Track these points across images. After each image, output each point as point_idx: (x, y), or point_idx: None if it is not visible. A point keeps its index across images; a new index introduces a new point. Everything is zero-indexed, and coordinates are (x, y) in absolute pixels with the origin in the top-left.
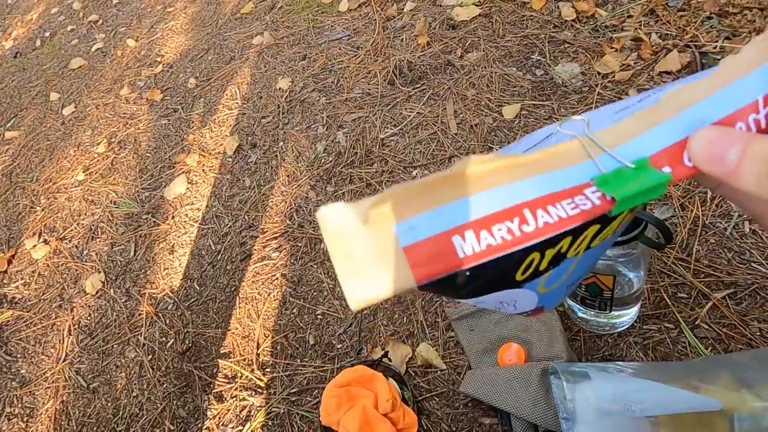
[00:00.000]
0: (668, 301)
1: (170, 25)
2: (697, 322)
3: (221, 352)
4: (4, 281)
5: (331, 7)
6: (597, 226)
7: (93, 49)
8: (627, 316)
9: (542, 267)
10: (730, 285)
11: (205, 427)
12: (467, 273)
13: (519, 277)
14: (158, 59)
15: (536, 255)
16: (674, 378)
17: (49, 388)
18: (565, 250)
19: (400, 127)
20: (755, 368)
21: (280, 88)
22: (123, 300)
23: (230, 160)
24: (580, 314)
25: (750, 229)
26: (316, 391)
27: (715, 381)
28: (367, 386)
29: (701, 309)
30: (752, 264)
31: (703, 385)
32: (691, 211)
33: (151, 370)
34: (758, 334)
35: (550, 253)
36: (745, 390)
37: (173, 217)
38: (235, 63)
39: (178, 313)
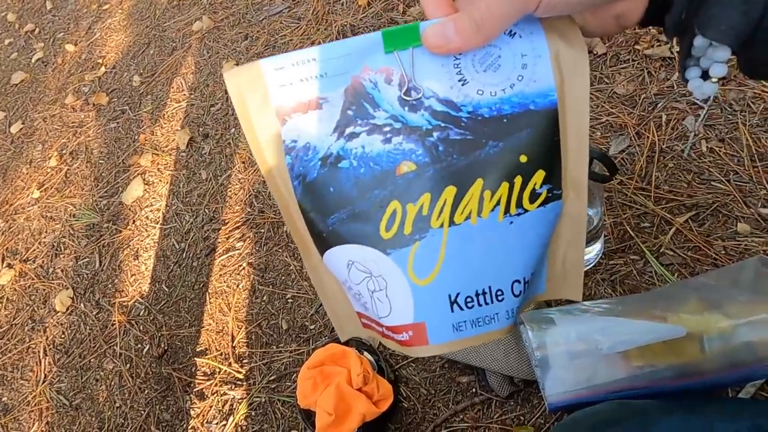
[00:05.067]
0: (632, 232)
1: (108, 24)
2: (662, 250)
3: (197, 350)
4: None
5: None
6: (453, 189)
7: (33, 60)
8: (591, 253)
9: (406, 230)
10: (691, 207)
11: (190, 426)
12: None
13: (383, 231)
14: (100, 61)
15: (397, 205)
16: (639, 310)
17: (32, 411)
18: (427, 212)
19: None
20: (721, 287)
21: None
22: (94, 313)
23: (184, 154)
24: None
25: (707, 147)
26: (295, 375)
27: (682, 307)
28: (340, 363)
29: (665, 236)
30: (711, 183)
31: (669, 313)
32: (648, 138)
33: (130, 379)
34: (722, 252)
35: (411, 210)
36: (714, 310)
37: (134, 222)
38: (178, 53)
39: (151, 318)
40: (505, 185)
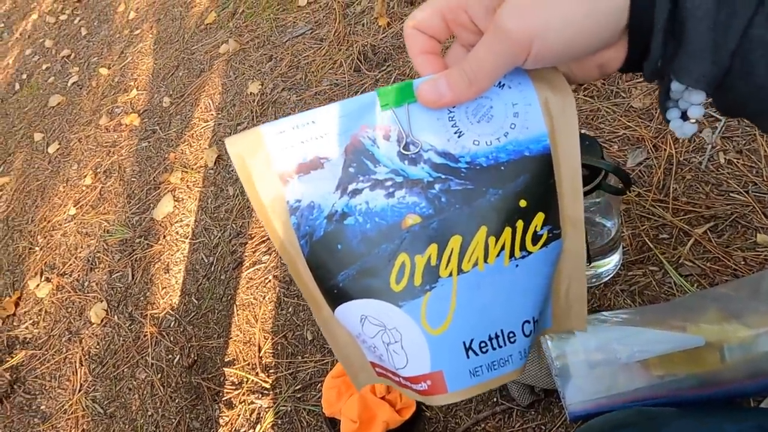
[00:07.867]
0: (650, 244)
1: (139, 48)
2: (680, 261)
3: (226, 360)
4: (14, 323)
5: (291, 3)
6: (459, 238)
7: (69, 84)
8: (610, 264)
9: (417, 281)
10: (710, 218)
11: None
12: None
13: (394, 284)
14: (132, 83)
15: (405, 257)
16: (657, 320)
17: (69, 419)
18: (435, 262)
19: None
20: (741, 298)
21: (251, 93)
22: (127, 324)
23: (212, 171)
24: None
25: (725, 159)
26: (320, 384)
27: (702, 317)
28: None
29: (683, 247)
30: (730, 194)
31: (689, 323)
32: (665, 150)
33: (162, 388)
34: (742, 263)
35: (419, 261)
36: (734, 320)
37: (165, 237)
38: (205, 75)
39: (181, 329)
40: (508, 230)
